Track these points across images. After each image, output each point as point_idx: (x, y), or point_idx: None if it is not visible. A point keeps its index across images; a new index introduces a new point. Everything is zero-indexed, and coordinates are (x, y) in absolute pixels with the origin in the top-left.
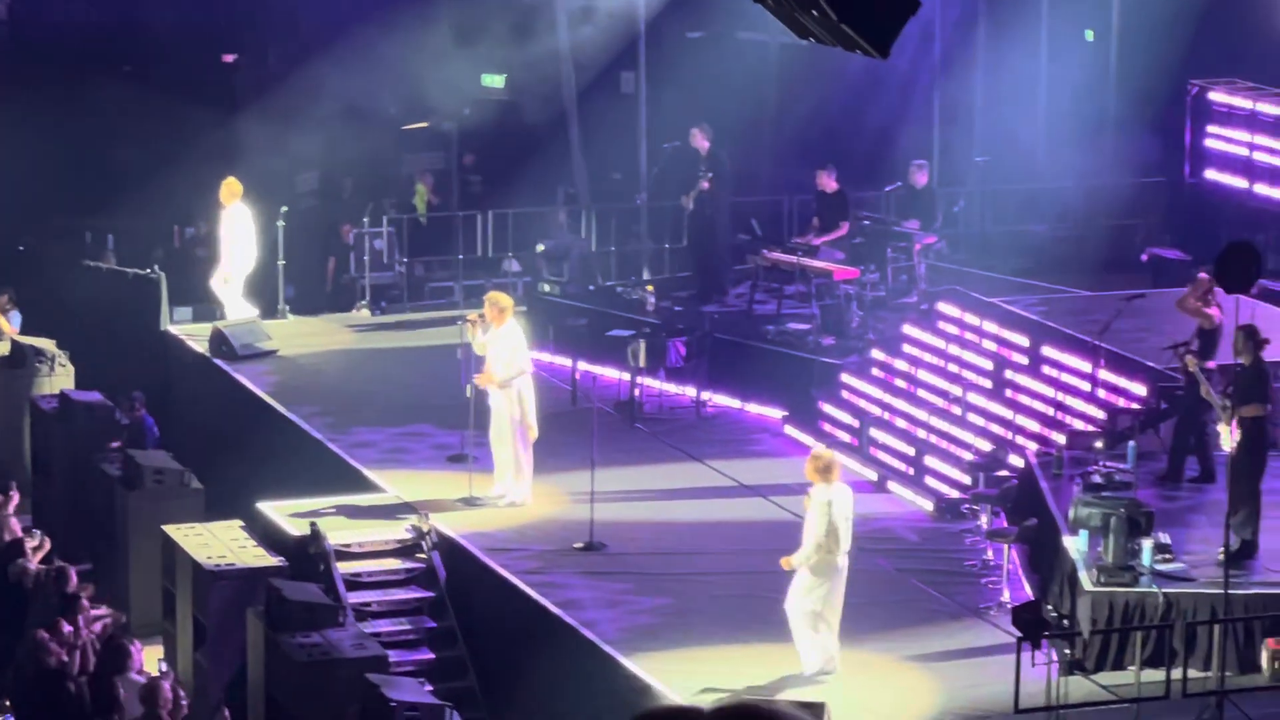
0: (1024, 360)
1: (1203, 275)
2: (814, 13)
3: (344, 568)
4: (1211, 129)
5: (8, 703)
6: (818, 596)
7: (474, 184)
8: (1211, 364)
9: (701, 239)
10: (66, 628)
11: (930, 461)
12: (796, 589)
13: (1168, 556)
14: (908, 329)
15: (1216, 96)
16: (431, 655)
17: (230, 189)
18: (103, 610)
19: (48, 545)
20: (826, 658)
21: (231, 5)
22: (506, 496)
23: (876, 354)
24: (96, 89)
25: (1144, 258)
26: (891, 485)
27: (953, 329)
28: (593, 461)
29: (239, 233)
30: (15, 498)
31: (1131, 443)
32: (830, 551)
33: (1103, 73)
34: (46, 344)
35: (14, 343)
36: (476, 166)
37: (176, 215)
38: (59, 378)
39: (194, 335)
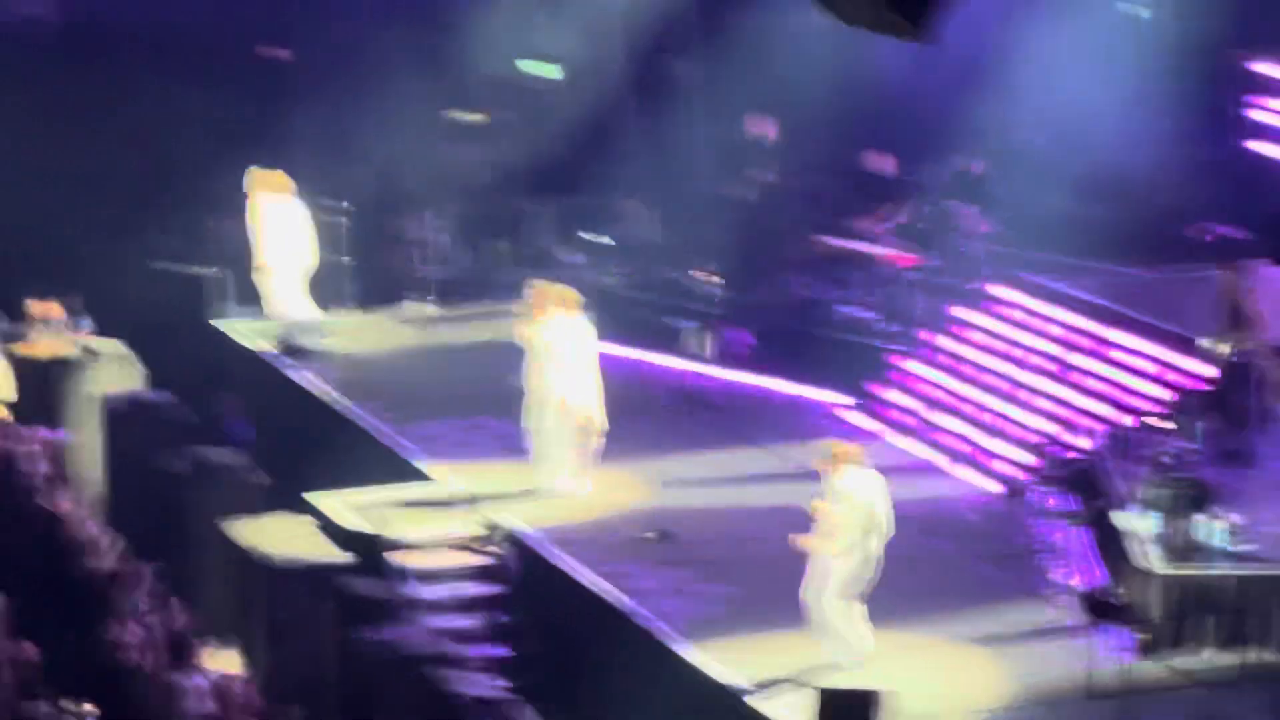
0: (1086, 342)
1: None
2: None
3: (412, 562)
4: (1264, 102)
5: (87, 705)
6: (846, 584)
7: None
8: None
9: (759, 229)
10: (135, 627)
11: (995, 445)
12: (825, 580)
13: (1240, 537)
14: (968, 314)
15: (1265, 69)
16: (503, 650)
17: (270, 181)
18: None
19: (120, 545)
20: (861, 643)
21: (285, 1)
22: (563, 488)
23: (938, 339)
24: (151, 86)
25: (1208, 238)
26: (956, 469)
27: (1014, 312)
28: (659, 451)
29: (287, 226)
30: (88, 498)
31: (1199, 423)
32: (864, 535)
33: (1154, 49)
34: (115, 345)
35: (84, 346)
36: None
37: (236, 213)
38: (128, 378)
39: (254, 331)
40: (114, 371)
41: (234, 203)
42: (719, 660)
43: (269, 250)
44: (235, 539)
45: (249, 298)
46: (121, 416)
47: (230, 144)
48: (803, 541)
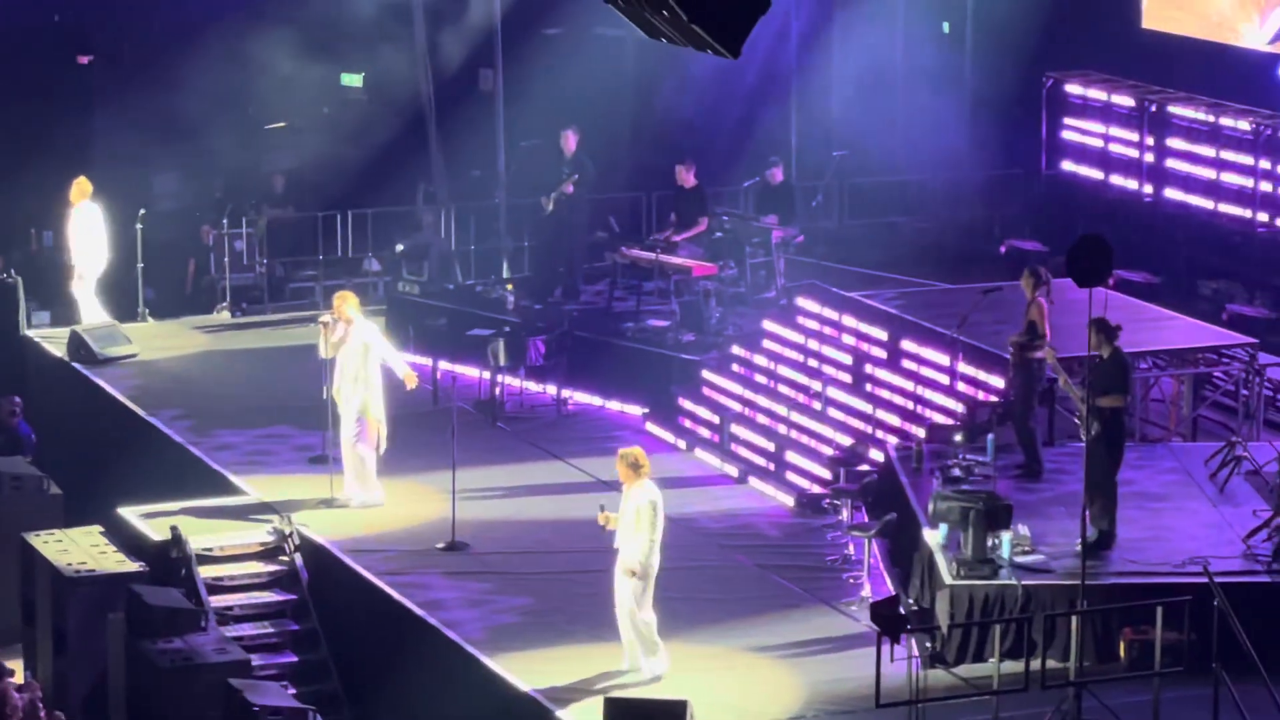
0: (883, 354)
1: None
2: (664, 13)
3: (205, 572)
4: (1068, 121)
5: None
6: (650, 598)
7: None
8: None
9: (557, 239)
10: None
11: (791, 457)
12: (630, 597)
13: (1026, 549)
14: (767, 324)
15: (1072, 88)
16: (295, 658)
17: (79, 188)
18: None
19: None
20: (662, 660)
21: (86, 5)
22: (357, 498)
23: (736, 350)
24: None
25: (1002, 250)
26: (752, 481)
27: (812, 324)
28: (453, 461)
29: (88, 232)
30: None
31: (990, 435)
32: (656, 544)
33: (958, 65)
34: None
35: None
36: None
37: (32, 218)
38: None
39: (52, 339)
40: None
41: (30, 209)
42: (514, 670)
43: (82, 256)
44: (24, 548)
45: (43, 303)
46: None
47: (29, 150)
48: (609, 523)
